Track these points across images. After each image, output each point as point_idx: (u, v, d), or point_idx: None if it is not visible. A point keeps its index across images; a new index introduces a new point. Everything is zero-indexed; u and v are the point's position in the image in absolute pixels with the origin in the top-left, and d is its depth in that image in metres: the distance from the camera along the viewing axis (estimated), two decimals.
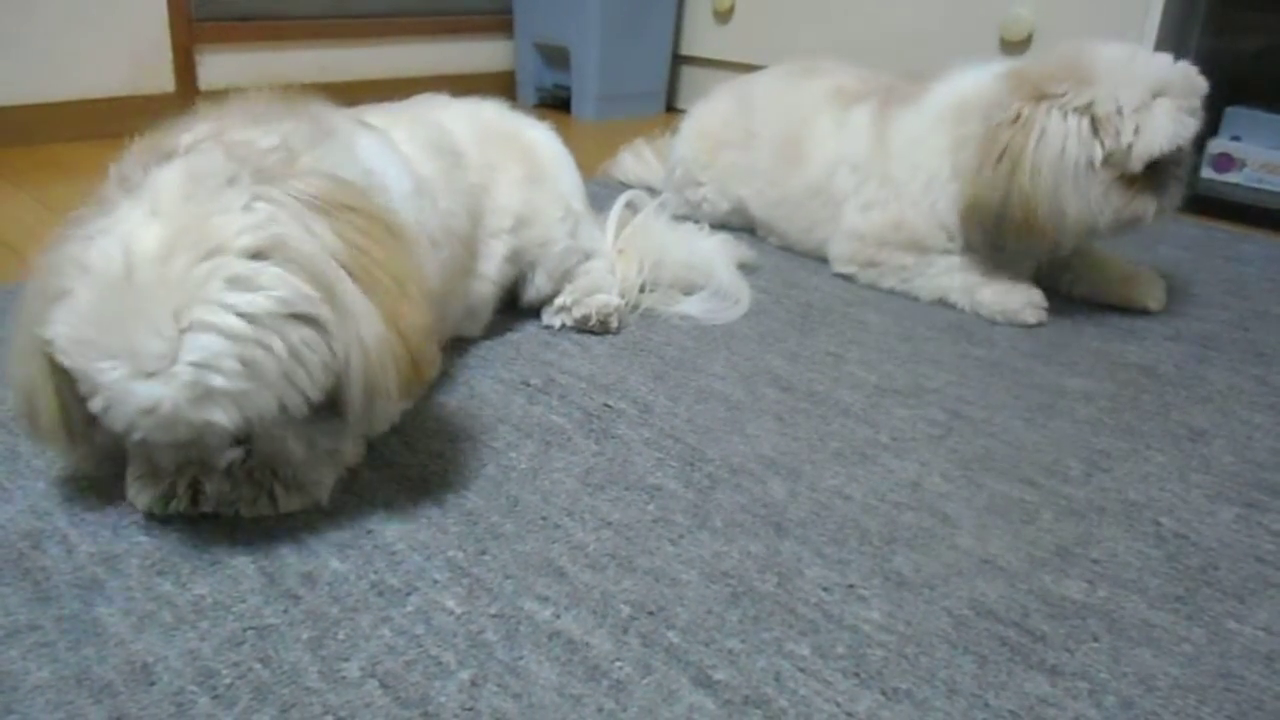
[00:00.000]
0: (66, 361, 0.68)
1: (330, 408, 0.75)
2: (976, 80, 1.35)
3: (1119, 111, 1.21)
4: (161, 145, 0.76)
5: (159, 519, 0.78)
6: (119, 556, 0.74)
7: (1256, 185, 1.93)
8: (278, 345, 0.67)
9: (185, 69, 2.14)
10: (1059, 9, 1.99)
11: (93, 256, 0.67)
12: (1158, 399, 1.11)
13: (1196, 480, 0.94)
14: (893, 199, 1.39)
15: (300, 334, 0.68)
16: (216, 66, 2.19)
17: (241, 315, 0.66)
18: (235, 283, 0.66)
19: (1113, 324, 1.32)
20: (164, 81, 2.12)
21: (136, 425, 0.67)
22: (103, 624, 0.67)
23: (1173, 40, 1.96)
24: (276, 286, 0.67)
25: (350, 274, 0.72)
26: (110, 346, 0.66)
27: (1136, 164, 1.21)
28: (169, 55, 2.11)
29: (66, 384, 0.71)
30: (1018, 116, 1.24)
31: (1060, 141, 1.22)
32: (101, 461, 0.80)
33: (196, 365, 0.65)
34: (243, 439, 0.75)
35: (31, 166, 1.81)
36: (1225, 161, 1.96)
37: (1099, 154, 1.22)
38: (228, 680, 0.63)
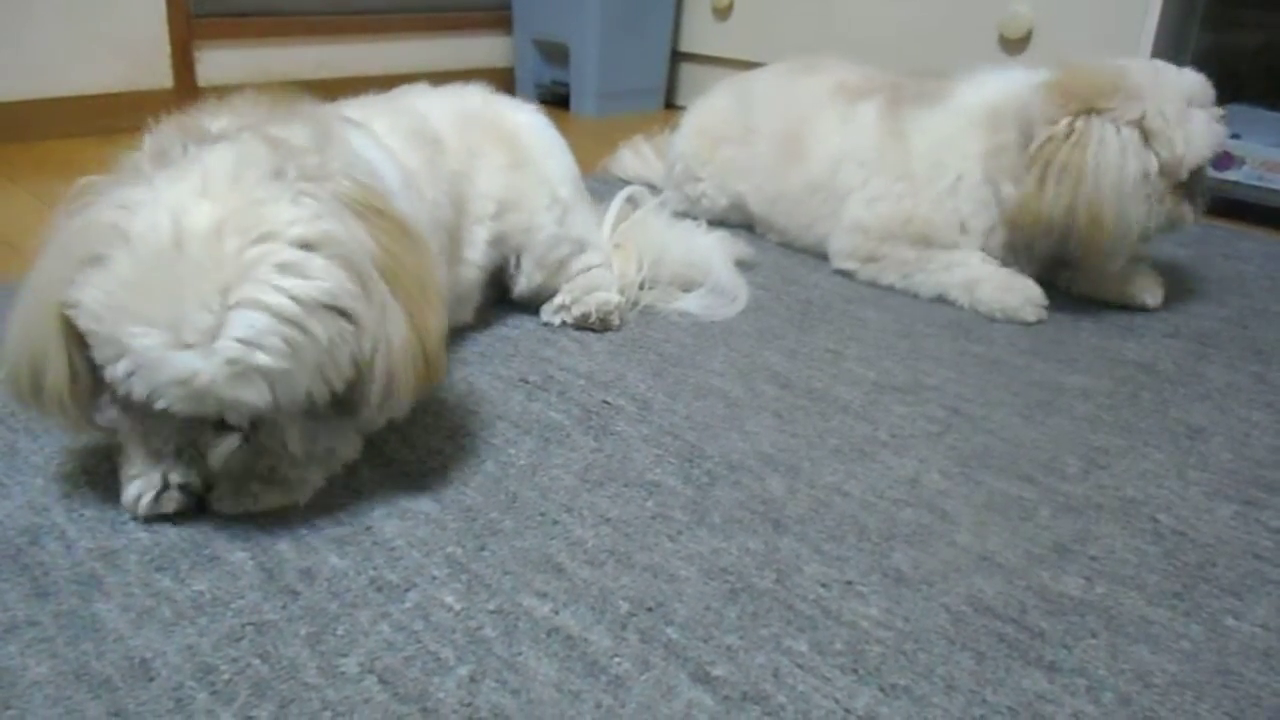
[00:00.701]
0: (94, 326, 0.68)
1: (338, 405, 0.75)
2: (1008, 87, 1.36)
3: (1168, 124, 1.24)
4: (194, 128, 0.77)
5: (157, 516, 0.78)
6: (117, 552, 0.74)
7: (1256, 183, 1.93)
8: (319, 332, 0.68)
9: (183, 65, 2.13)
10: (1058, 6, 1.99)
11: (137, 226, 0.68)
12: (1156, 396, 1.11)
13: (1194, 477, 0.94)
14: (908, 195, 1.39)
15: (339, 326, 0.70)
16: (215, 63, 2.19)
17: (291, 299, 0.67)
18: (286, 268, 0.68)
19: (1111, 321, 1.32)
20: (162, 78, 2.11)
21: (163, 395, 0.67)
22: (101, 620, 0.67)
23: (1172, 37, 1.96)
24: (324, 277, 0.69)
25: (382, 275, 0.73)
26: (150, 314, 0.66)
27: (1184, 172, 1.26)
28: (167, 51, 2.11)
29: (78, 350, 0.71)
30: (1070, 131, 1.25)
31: (1118, 154, 1.24)
32: (95, 434, 0.79)
33: (242, 341, 0.66)
34: (248, 427, 0.74)
35: (29, 162, 1.81)
36: (1225, 159, 1.95)
37: (1154, 164, 1.25)
38: (226, 676, 0.63)
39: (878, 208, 1.42)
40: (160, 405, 0.68)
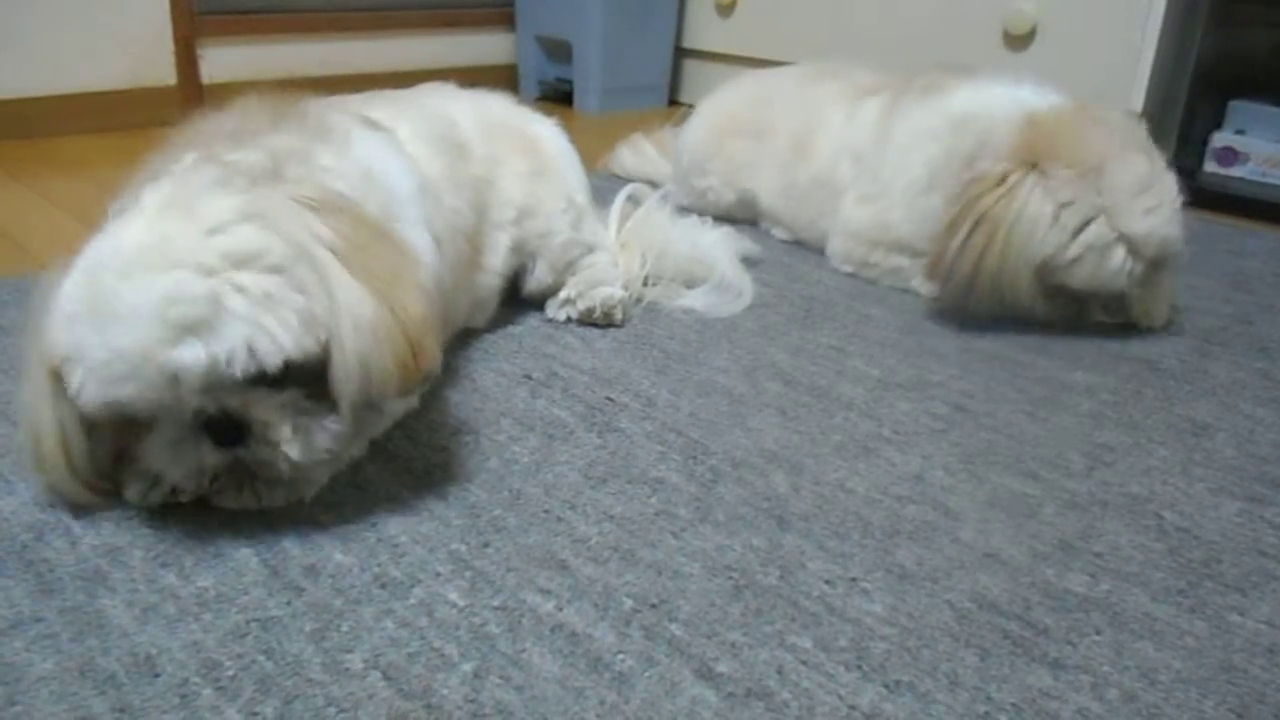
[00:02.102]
0: (56, 353, 0.69)
1: (320, 395, 0.74)
2: (997, 99, 1.30)
3: (1077, 232, 1.17)
4: (153, 169, 0.79)
5: (160, 512, 0.78)
6: (122, 549, 0.74)
7: (1260, 179, 1.93)
8: (248, 282, 0.68)
9: (187, 63, 2.13)
10: (1063, 3, 1.98)
11: (83, 255, 0.71)
12: (1160, 393, 1.11)
13: (1199, 474, 0.94)
14: (880, 196, 1.38)
15: (272, 281, 0.69)
16: (218, 60, 2.19)
17: (214, 252, 0.68)
18: (211, 231, 0.69)
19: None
20: (165, 75, 2.11)
21: (110, 379, 0.67)
22: (106, 616, 0.67)
23: (1176, 33, 1.95)
24: (251, 237, 0.69)
25: (342, 259, 0.72)
26: (86, 309, 0.68)
27: (1050, 279, 1.20)
28: (170, 49, 2.11)
29: (68, 410, 0.72)
30: (1003, 179, 1.19)
31: (1033, 225, 1.17)
32: (107, 498, 0.79)
33: (163, 299, 0.66)
34: (239, 431, 0.73)
35: (33, 159, 1.81)
36: (1229, 156, 1.95)
37: (1042, 252, 1.18)
38: (231, 672, 0.63)
39: (863, 210, 1.41)
40: (112, 396, 0.68)
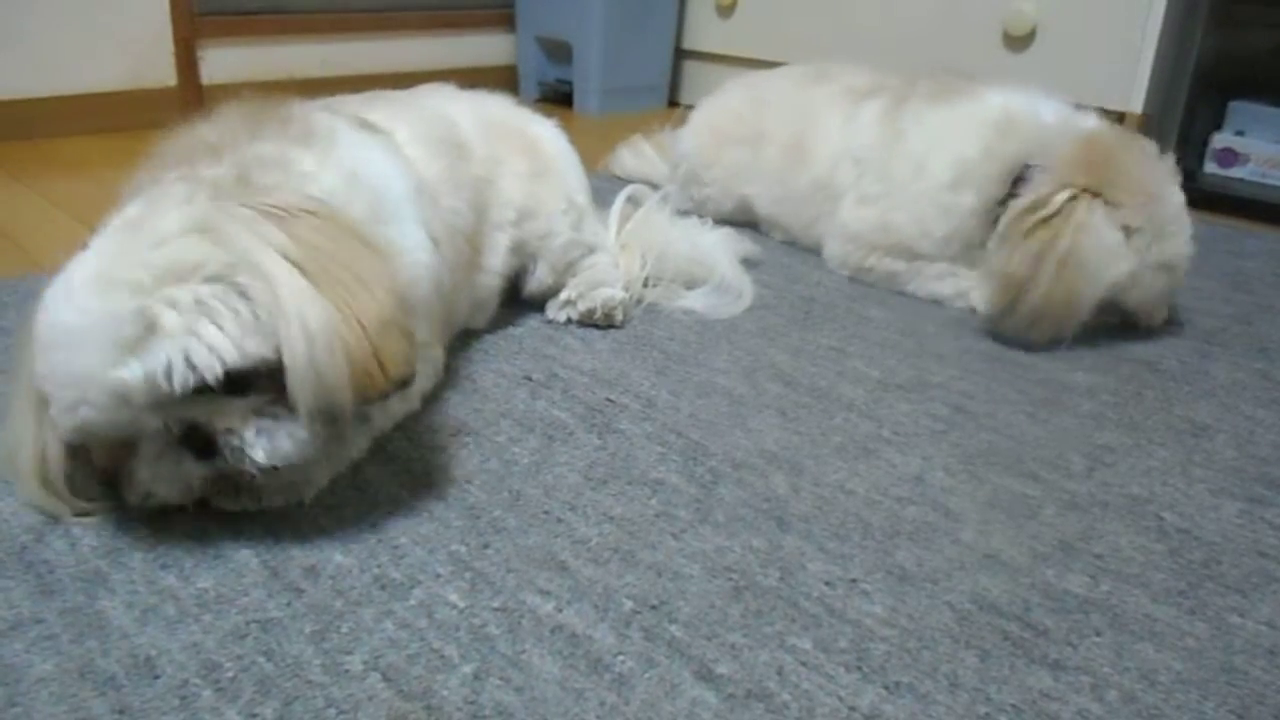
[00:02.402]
0: (40, 383, 0.71)
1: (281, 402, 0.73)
2: (1033, 103, 1.32)
3: (1144, 253, 1.21)
4: (136, 186, 0.80)
5: (161, 514, 0.78)
6: (122, 550, 0.74)
7: (1260, 180, 1.93)
8: (180, 296, 0.68)
9: (187, 64, 2.13)
10: (1062, 4, 1.98)
11: (56, 284, 0.72)
12: (1161, 394, 1.11)
13: (1199, 475, 0.94)
14: (885, 197, 1.38)
15: (207, 290, 0.69)
16: (218, 61, 2.19)
17: (147, 270, 0.68)
18: (153, 245, 0.70)
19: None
20: (165, 76, 2.11)
21: (71, 405, 0.68)
22: (106, 617, 0.67)
23: (1176, 35, 1.95)
24: (189, 251, 0.70)
25: (299, 267, 0.71)
26: (56, 340, 0.69)
27: (1114, 300, 1.23)
28: (170, 50, 2.11)
29: (50, 432, 0.73)
30: (1061, 208, 1.20)
31: (1104, 252, 1.20)
32: (82, 511, 0.79)
33: (103, 323, 0.67)
34: (206, 441, 0.72)
35: (33, 161, 1.81)
36: (1229, 156, 1.95)
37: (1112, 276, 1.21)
38: (231, 673, 0.63)
39: (863, 212, 1.41)
40: (77, 422, 0.69)
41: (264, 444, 0.72)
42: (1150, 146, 1.29)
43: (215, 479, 0.75)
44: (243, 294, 0.70)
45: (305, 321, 0.69)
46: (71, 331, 0.68)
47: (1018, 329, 1.23)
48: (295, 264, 0.71)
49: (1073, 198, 1.19)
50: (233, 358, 0.68)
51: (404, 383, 0.76)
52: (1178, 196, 1.25)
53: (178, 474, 0.74)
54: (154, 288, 0.68)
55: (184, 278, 0.69)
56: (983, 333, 1.25)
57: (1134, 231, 1.20)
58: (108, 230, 0.74)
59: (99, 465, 0.77)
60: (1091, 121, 1.31)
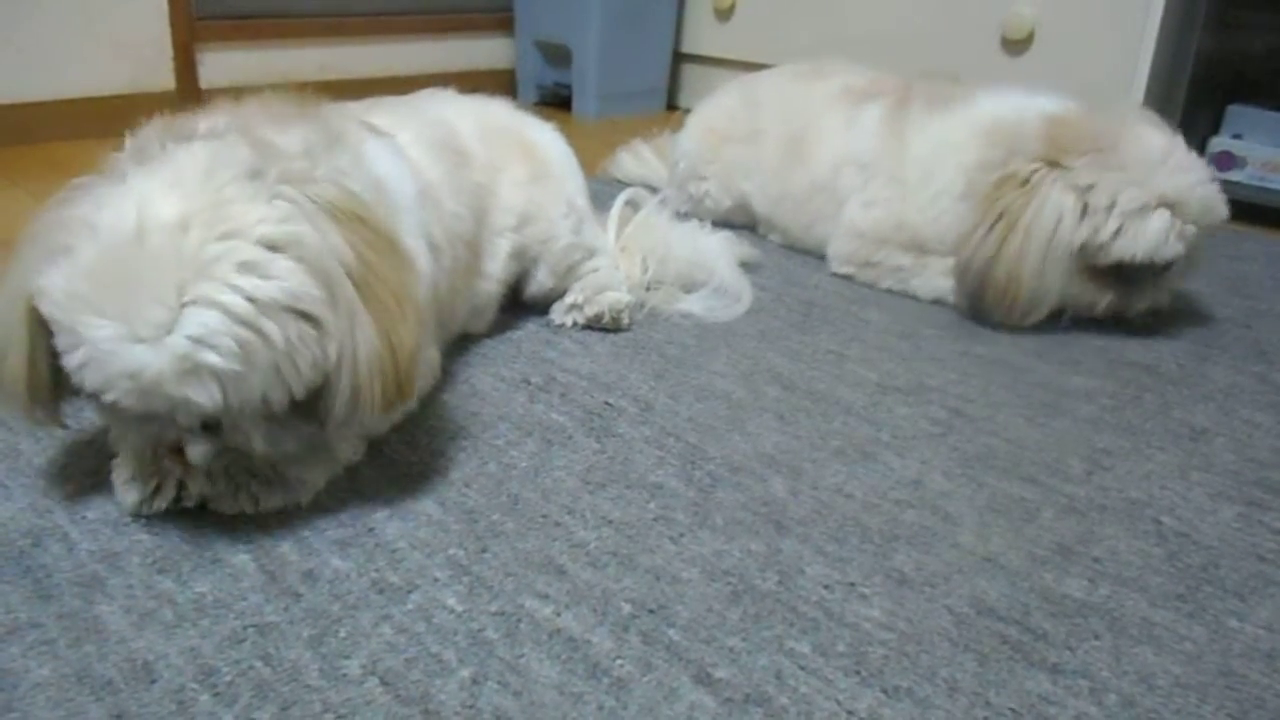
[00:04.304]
0: (56, 314, 0.67)
1: (302, 412, 0.74)
2: (1021, 106, 1.33)
3: (1110, 207, 1.19)
4: (180, 127, 0.76)
5: (159, 517, 0.78)
6: (119, 554, 0.74)
7: (1258, 184, 1.93)
8: (276, 335, 0.67)
9: (186, 67, 2.13)
10: (1061, 7, 1.98)
11: (104, 217, 0.68)
12: (1159, 397, 1.11)
13: (1198, 479, 0.94)
14: (898, 199, 1.39)
15: (299, 329, 0.68)
16: (217, 65, 2.19)
17: (247, 298, 0.66)
18: (247, 267, 0.67)
19: (1114, 323, 1.31)
20: (164, 80, 2.11)
21: (113, 387, 0.66)
22: (103, 622, 0.67)
23: (1174, 38, 1.96)
24: (286, 278, 0.68)
25: (354, 283, 0.72)
26: (106, 305, 0.65)
27: (1104, 260, 1.22)
28: (169, 53, 2.11)
29: (41, 340, 0.71)
30: (1026, 179, 1.22)
31: (1055, 218, 1.21)
32: (56, 425, 0.78)
33: (192, 339, 0.65)
34: (212, 426, 0.72)
35: (32, 165, 1.81)
36: (1226, 160, 1.95)
37: (1077, 239, 1.21)
38: (228, 678, 0.63)
39: (873, 212, 1.41)
40: (110, 398, 0.67)
41: (270, 441, 0.74)
42: (1125, 108, 1.30)
43: (224, 457, 0.76)
44: (324, 333, 0.70)
45: (355, 352, 0.71)
46: (151, 328, 0.65)
47: (993, 312, 1.25)
48: (352, 278, 0.72)
49: (1031, 174, 1.22)
50: (299, 394, 0.70)
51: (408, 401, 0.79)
52: (1151, 138, 1.22)
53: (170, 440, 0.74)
54: (253, 321, 0.66)
55: (279, 311, 0.67)
56: (980, 336, 1.25)
57: (1086, 189, 1.20)
58: (171, 192, 0.68)
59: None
60: (1065, 103, 1.31)
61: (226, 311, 0.65)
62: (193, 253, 0.66)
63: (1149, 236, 1.19)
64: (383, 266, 0.75)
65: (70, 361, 0.67)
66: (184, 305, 0.65)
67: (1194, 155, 1.24)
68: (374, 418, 0.77)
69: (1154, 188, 1.19)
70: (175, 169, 0.70)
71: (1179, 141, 1.24)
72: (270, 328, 0.66)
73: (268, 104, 0.84)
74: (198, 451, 0.73)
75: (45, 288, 0.67)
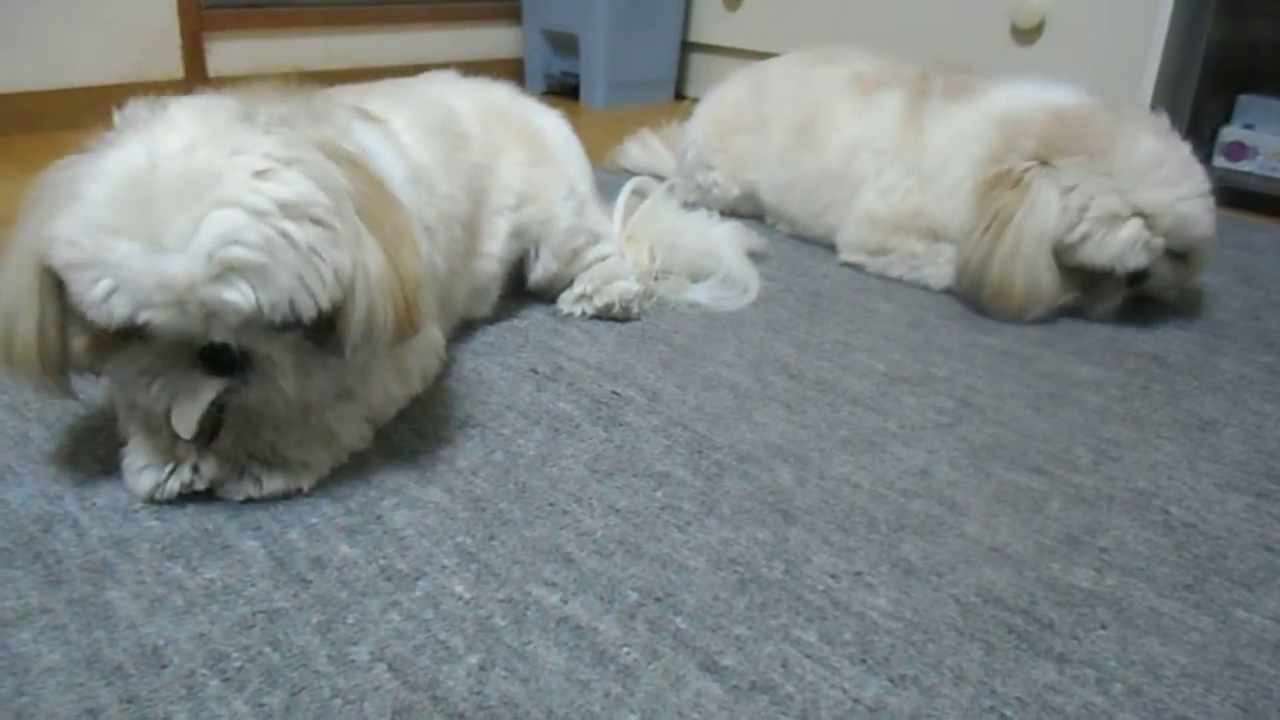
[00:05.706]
0: (72, 254, 0.67)
1: (323, 338, 0.75)
2: (1033, 101, 1.32)
3: (1082, 210, 1.21)
4: (165, 100, 0.77)
5: (168, 504, 0.78)
6: (129, 540, 0.74)
7: (1269, 174, 1.92)
8: (296, 233, 0.68)
9: (194, 55, 2.14)
10: None
11: (109, 161, 0.69)
12: (1167, 388, 1.10)
13: (1206, 469, 0.93)
14: (917, 189, 1.39)
15: (316, 233, 0.70)
16: (225, 53, 2.19)
17: (267, 198, 0.68)
18: (260, 174, 0.69)
19: (1122, 313, 1.31)
20: (172, 68, 2.12)
21: (147, 305, 0.66)
22: (113, 607, 0.67)
23: (1185, 28, 1.94)
24: (297, 184, 0.70)
25: (359, 213, 0.74)
26: (126, 226, 0.66)
27: (1069, 260, 1.24)
28: (178, 42, 2.11)
29: (52, 306, 0.71)
30: (1019, 178, 1.23)
31: (1045, 216, 1.21)
32: (68, 396, 0.78)
33: (219, 237, 0.66)
34: (241, 364, 0.73)
35: (40, 153, 1.81)
36: (1237, 150, 1.94)
37: (1054, 235, 1.22)
38: (238, 663, 0.63)
39: (889, 199, 1.41)
40: (144, 318, 0.67)
41: (300, 378, 0.75)
42: (1132, 109, 1.29)
43: (216, 418, 0.76)
44: (336, 243, 0.71)
45: (368, 271, 0.73)
46: (178, 236, 0.66)
47: (991, 311, 1.27)
48: (359, 211, 0.74)
49: (1023, 172, 1.23)
50: (325, 305, 0.71)
51: (418, 331, 0.81)
52: (1146, 146, 1.22)
53: (186, 385, 0.73)
54: (273, 216, 0.68)
55: (295, 213, 0.69)
56: (988, 327, 1.25)
57: (1069, 190, 1.21)
58: (180, 128, 0.70)
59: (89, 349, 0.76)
60: (1076, 99, 1.31)
61: (248, 209, 0.67)
62: (206, 166, 0.68)
63: (1114, 245, 1.21)
64: (380, 203, 0.77)
65: (95, 295, 0.67)
66: (206, 211, 0.66)
67: (1193, 165, 1.24)
68: (391, 344, 0.78)
69: (1132, 198, 1.20)
70: (170, 118, 0.72)
71: (1178, 149, 1.24)
72: (290, 226, 0.68)
73: (252, 88, 0.86)
74: (224, 391, 0.73)
75: (57, 233, 0.68)
